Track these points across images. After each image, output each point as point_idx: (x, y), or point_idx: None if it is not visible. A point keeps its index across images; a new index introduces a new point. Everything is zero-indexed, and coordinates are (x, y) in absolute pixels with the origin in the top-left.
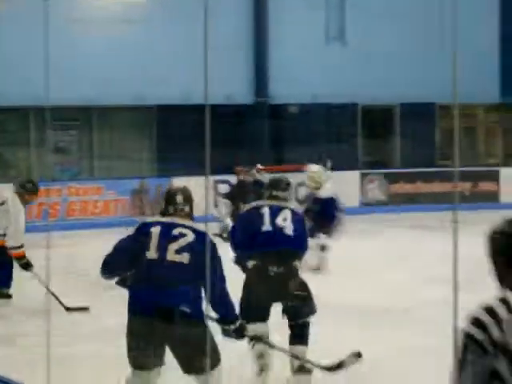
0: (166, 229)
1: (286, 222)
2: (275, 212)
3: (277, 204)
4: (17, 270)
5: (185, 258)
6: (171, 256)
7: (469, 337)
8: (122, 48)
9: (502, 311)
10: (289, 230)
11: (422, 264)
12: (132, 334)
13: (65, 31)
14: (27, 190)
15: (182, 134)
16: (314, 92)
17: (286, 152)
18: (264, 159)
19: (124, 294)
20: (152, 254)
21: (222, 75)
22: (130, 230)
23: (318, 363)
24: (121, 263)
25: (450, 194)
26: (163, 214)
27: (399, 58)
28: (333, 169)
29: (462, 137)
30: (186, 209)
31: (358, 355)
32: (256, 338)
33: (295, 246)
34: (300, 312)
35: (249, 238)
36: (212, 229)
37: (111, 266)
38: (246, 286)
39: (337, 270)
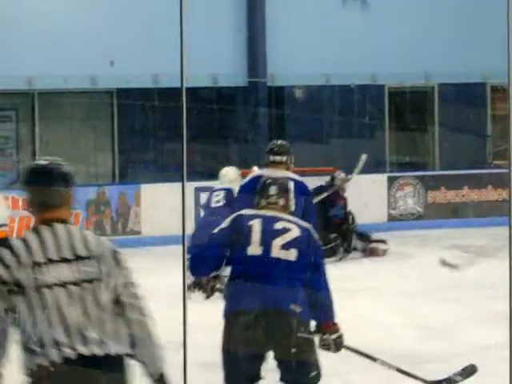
0: (267, 221)
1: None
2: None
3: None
4: None
5: (292, 254)
6: (277, 252)
7: None
8: (70, 17)
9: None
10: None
11: (469, 299)
12: (231, 341)
13: None
14: None
15: (150, 126)
16: (325, 71)
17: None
18: (260, 159)
19: None
20: (254, 249)
21: (204, 50)
22: (223, 223)
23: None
24: (215, 260)
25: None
26: (255, 207)
27: (437, 24)
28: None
29: None
30: (281, 202)
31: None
32: (352, 350)
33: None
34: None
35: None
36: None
37: (203, 263)
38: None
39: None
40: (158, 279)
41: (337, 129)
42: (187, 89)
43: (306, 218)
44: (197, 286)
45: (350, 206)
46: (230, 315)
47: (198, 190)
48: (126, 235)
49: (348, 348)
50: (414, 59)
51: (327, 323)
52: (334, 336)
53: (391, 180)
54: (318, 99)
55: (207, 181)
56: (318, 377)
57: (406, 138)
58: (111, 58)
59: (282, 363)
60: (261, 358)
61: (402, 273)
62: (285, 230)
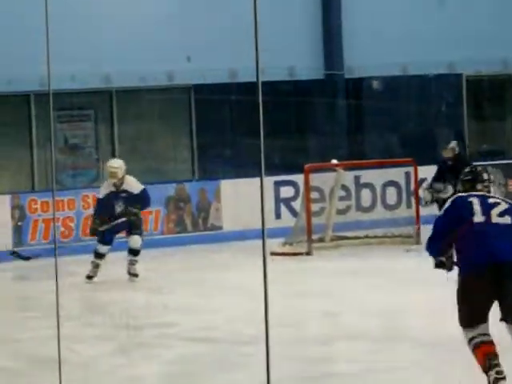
0: (482, 199)
1: None
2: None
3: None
4: None
5: (507, 219)
6: (495, 219)
7: None
8: (146, 14)
9: None
10: None
11: None
12: (467, 292)
13: None
14: None
15: (228, 121)
16: (402, 61)
17: (367, 141)
18: (339, 152)
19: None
20: (479, 217)
21: (281, 43)
22: (446, 205)
23: None
24: (449, 235)
25: None
26: (466, 189)
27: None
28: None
29: None
30: (491, 186)
31: None
32: None
33: None
34: None
35: None
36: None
37: (437, 243)
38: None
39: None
40: (238, 274)
41: (415, 119)
42: (264, 82)
43: None
44: (439, 264)
45: None
46: (468, 270)
47: (277, 184)
48: (207, 231)
49: None
50: (491, 46)
51: None
52: None
53: None
54: (395, 89)
55: (286, 175)
56: None
57: (485, 126)
58: (188, 53)
59: (509, 304)
60: (492, 302)
61: None
62: (497, 204)
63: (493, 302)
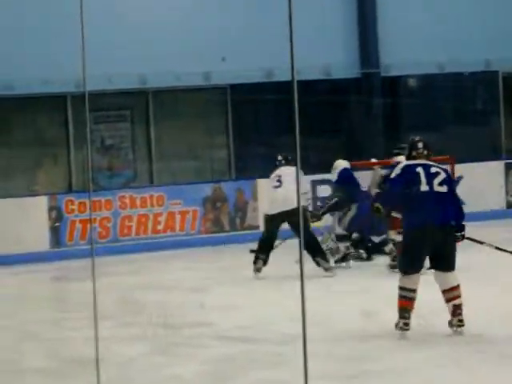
0: (426, 168)
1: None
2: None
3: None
4: None
5: (444, 188)
6: (436, 188)
7: None
8: (181, 14)
9: None
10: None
11: None
12: (409, 245)
13: None
14: None
15: (264, 121)
16: (438, 59)
17: (403, 139)
18: (375, 150)
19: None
20: (424, 187)
21: (316, 42)
22: (396, 171)
23: None
24: (398, 195)
25: None
26: (408, 158)
27: None
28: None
29: None
30: (425, 152)
31: None
32: (471, 239)
33: None
34: None
35: None
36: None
37: (390, 198)
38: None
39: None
40: (275, 273)
41: (451, 117)
42: (300, 82)
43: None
44: (377, 210)
45: (467, 194)
46: (412, 228)
47: (314, 183)
48: (245, 230)
49: (468, 238)
50: None
51: (460, 224)
52: (462, 233)
53: (508, 167)
54: (432, 87)
55: (323, 173)
56: (454, 264)
57: None
58: (223, 54)
59: (439, 256)
60: (426, 255)
61: None
62: (437, 173)
63: (426, 255)
